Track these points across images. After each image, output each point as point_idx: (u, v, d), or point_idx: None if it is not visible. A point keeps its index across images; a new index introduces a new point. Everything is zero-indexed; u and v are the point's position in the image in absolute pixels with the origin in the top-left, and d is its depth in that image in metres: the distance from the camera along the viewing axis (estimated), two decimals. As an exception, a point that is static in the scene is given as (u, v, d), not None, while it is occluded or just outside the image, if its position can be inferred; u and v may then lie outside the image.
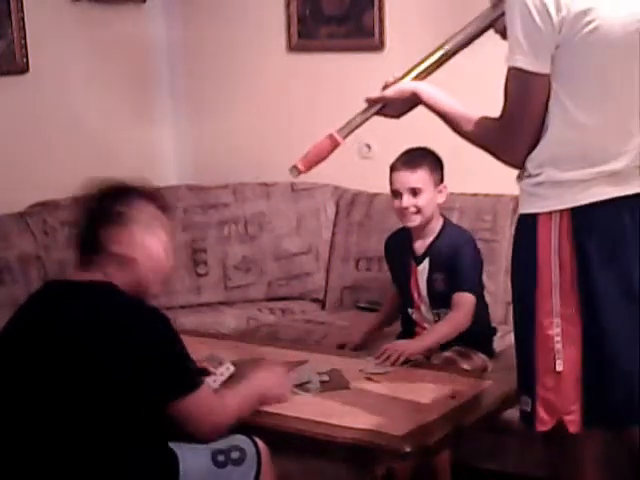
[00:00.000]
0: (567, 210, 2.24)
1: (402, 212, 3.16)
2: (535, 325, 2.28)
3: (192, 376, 2.30)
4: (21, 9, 3.90)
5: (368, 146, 4.12)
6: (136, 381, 2.17)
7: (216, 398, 2.38)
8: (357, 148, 4.08)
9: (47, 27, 4.04)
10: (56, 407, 2.18)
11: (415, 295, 3.23)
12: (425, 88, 2.48)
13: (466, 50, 2.55)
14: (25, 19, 3.92)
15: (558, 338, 2.25)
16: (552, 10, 2.14)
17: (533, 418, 2.32)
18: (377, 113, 2.57)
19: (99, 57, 4.27)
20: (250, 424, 2.46)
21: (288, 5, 4.26)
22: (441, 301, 3.17)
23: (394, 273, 3.37)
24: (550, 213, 2.25)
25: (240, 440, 2.38)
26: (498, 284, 3.58)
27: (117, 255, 2.28)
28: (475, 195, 3.82)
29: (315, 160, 2.64)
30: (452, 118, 2.42)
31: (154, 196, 2.41)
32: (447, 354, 3.12)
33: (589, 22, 2.16)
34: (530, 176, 2.29)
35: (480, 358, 3.18)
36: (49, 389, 2.18)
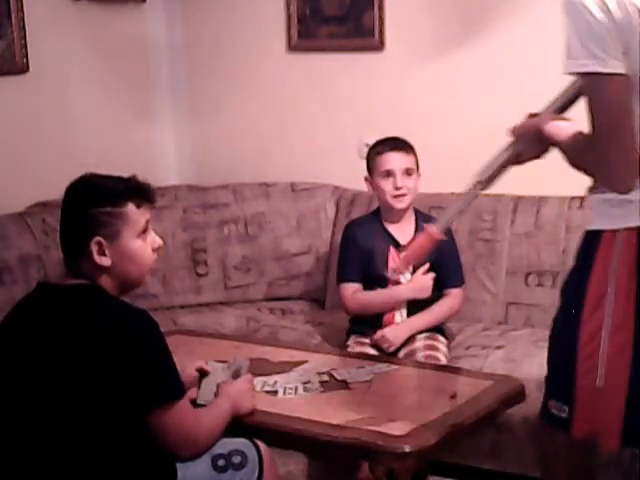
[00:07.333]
0: (634, 229, 2.14)
1: (395, 192, 3.21)
2: (579, 338, 2.22)
3: (177, 384, 2.23)
4: (21, 9, 3.90)
5: (368, 146, 4.12)
6: (124, 384, 2.13)
7: (194, 413, 2.28)
8: (357, 148, 4.07)
9: (47, 27, 4.04)
10: (49, 410, 2.16)
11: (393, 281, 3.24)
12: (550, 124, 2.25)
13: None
14: (25, 19, 3.92)
15: (603, 354, 2.19)
16: (613, 6, 1.97)
17: (569, 425, 2.27)
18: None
19: (99, 57, 4.27)
20: (250, 424, 2.46)
21: (288, 5, 4.26)
22: None
23: (363, 257, 3.28)
24: (615, 231, 2.16)
25: (241, 444, 2.35)
26: (498, 284, 3.57)
27: (97, 263, 2.24)
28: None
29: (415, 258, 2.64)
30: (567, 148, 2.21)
31: (131, 191, 2.29)
32: (426, 352, 3.14)
33: None
34: (600, 191, 2.17)
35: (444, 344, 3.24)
36: (43, 391, 2.16)
